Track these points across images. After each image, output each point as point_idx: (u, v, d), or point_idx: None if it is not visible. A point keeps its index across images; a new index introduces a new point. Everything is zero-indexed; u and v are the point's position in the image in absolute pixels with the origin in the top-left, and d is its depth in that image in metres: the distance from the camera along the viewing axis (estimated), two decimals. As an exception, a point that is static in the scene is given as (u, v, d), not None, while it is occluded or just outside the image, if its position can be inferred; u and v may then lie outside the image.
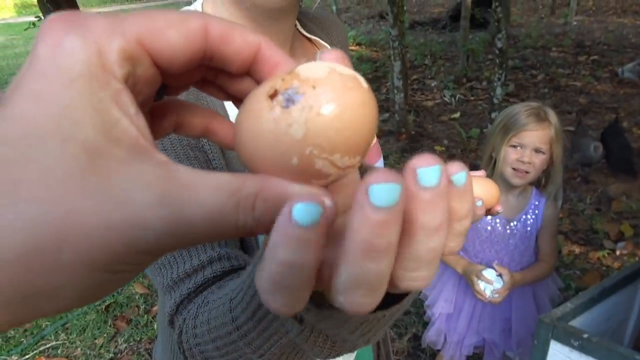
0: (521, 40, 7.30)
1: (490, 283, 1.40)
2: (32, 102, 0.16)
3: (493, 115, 2.90)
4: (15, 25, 14.53)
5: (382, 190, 0.16)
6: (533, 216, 1.44)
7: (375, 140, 0.74)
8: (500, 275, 1.40)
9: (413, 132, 4.20)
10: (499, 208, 0.68)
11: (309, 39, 0.69)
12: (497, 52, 2.64)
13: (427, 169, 0.18)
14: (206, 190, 0.17)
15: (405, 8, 6.51)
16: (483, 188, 0.67)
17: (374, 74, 6.21)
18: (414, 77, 5.88)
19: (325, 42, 0.70)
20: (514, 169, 1.39)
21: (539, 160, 1.37)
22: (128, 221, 0.16)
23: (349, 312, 0.19)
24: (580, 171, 3.33)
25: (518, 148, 1.39)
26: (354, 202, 0.16)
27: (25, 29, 3.50)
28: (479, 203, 0.66)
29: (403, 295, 0.30)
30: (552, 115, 1.39)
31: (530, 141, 1.37)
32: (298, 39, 0.67)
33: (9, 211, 0.14)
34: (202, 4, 0.61)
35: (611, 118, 4.26)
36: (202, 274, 0.47)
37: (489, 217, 1.47)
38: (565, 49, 6.78)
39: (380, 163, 0.73)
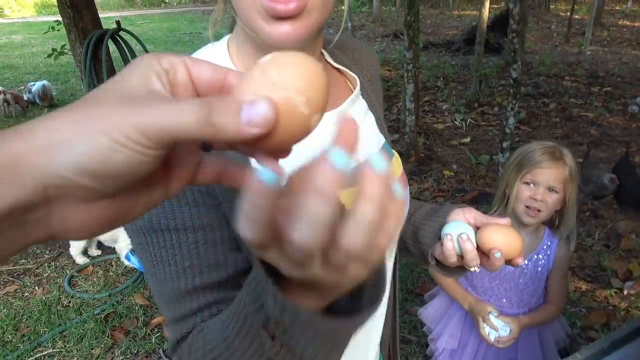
0: (534, 68, 7.30)
1: (496, 329, 1.37)
2: (117, 78, 0.28)
3: (504, 144, 2.88)
4: (34, 25, 14.75)
5: (341, 155, 0.25)
6: (545, 257, 1.42)
7: (401, 171, 0.73)
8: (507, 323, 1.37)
9: (422, 155, 4.19)
10: (520, 260, 0.66)
11: (338, 69, 0.70)
12: (511, 81, 2.63)
13: (379, 158, 0.27)
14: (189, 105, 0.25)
15: (420, 28, 6.53)
16: (506, 237, 0.65)
17: (386, 93, 6.22)
18: (426, 98, 5.89)
19: (355, 71, 0.71)
20: (526, 206, 1.37)
21: (551, 199, 1.35)
22: (145, 117, 0.24)
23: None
24: (590, 205, 3.30)
25: (531, 185, 1.37)
26: (319, 159, 0.26)
27: (45, 32, 3.53)
28: (498, 254, 0.65)
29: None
30: (568, 156, 1.37)
31: (544, 179, 1.35)
32: (325, 69, 0.67)
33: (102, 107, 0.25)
34: (227, 43, 0.63)
35: (622, 152, 4.23)
36: (201, 316, 0.52)
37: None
38: (578, 78, 6.77)
39: (406, 194, 0.73)
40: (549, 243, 1.43)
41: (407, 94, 3.88)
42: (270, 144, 0.27)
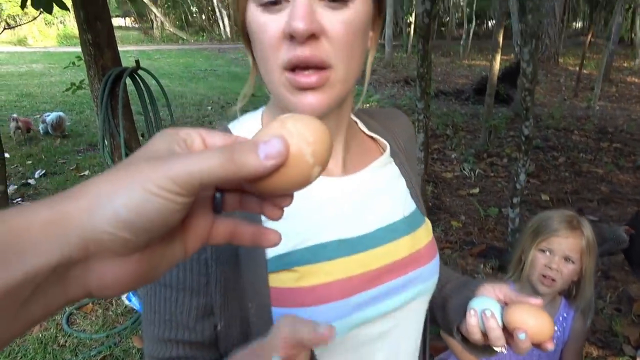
0: (543, 120, 7.36)
1: None
2: (145, 146, 0.31)
3: (515, 200, 2.86)
4: (55, 55, 15.20)
5: None
6: (560, 328, 1.37)
7: (432, 237, 0.72)
8: None
9: (430, 204, 4.17)
10: (550, 346, 0.62)
11: (371, 137, 0.74)
12: (523, 138, 2.64)
13: None
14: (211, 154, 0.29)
15: (431, 78, 6.66)
16: (535, 319, 0.61)
17: (395, 139, 6.26)
18: (435, 146, 5.91)
19: (387, 138, 0.74)
20: (542, 275, 1.34)
21: (567, 269, 1.32)
22: (175, 166, 0.27)
23: None
24: (601, 265, 3.24)
25: (547, 254, 1.34)
26: None
27: (65, 67, 3.61)
28: (522, 336, 0.60)
29: None
30: (586, 226, 1.35)
31: (560, 248, 1.32)
32: (356, 137, 0.71)
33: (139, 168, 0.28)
34: (262, 114, 0.67)
35: (633, 211, 4.19)
36: None
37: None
38: (587, 133, 6.80)
39: (436, 259, 0.71)
40: (565, 314, 1.39)
41: (417, 143, 3.89)
42: (278, 184, 0.31)
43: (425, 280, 0.67)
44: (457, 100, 9.12)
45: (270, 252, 0.58)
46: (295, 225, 0.60)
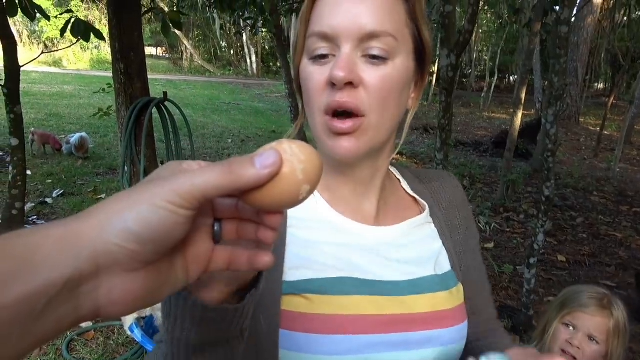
0: (562, 179, 7.29)
1: None
2: (153, 173, 0.34)
3: (532, 260, 2.80)
4: (86, 77, 15.73)
5: None
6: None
7: (461, 303, 0.71)
8: None
9: (443, 256, 4.09)
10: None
11: (412, 197, 0.76)
12: (543, 198, 2.60)
13: None
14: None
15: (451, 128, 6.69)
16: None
17: (411, 185, 6.24)
18: (451, 196, 5.86)
19: (428, 199, 0.76)
20: (562, 350, 1.28)
21: (590, 349, 1.25)
22: (179, 181, 0.30)
23: None
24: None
25: (570, 328, 1.28)
26: None
27: (95, 93, 3.71)
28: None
29: None
30: (618, 308, 1.28)
31: (585, 325, 1.26)
32: (396, 194, 0.75)
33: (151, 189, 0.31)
34: None
35: (653, 280, 4.06)
36: None
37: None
38: (607, 195, 6.70)
39: (462, 326, 0.69)
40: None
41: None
42: (270, 197, 0.34)
43: (446, 344, 0.66)
44: (476, 151, 9.12)
45: (288, 276, 0.61)
46: (318, 256, 0.63)
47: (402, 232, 0.70)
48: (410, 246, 0.70)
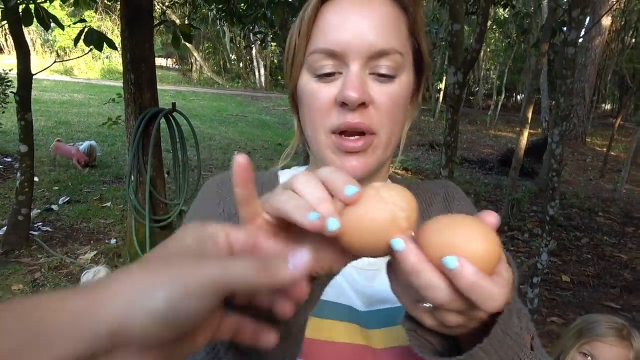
0: (568, 199, 7.26)
1: None
2: (172, 239, 0.35)
3: (535, 279, 2.78)
4: (96, 87, 15.91)
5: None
6: None
7: None
8: None
9: (446, 273, 4.08)
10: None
11: None
12: (547, 218, 2.60)
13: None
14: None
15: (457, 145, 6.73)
16: (475, 240, 0.37)
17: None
18: (455, 213, 5.85)
19: (423, 208, 0.74)
20: None
21: None
22: (213, 269, 0.30)
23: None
24: None
25: (588, 358, 1.27)
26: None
27: (105, 104, 3.76)
28: (451, 263, 0.42)
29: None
30: (637, 339, 1.27)
31: (603, 355, 1.25)
32: None
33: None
34: (306, 169, 0.73)
35: (658, 303, 4.02)
36: None
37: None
38: (612, 216, 6.66)
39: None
40: None
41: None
42: (376, 245, 0.35)
43: None
44: (481, 169, 9.11)
45: None
46: None
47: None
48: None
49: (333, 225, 0.34)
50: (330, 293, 0.61)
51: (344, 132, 0.57)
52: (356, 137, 0.57)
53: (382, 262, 0.61)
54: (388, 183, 0.38)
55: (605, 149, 9.90)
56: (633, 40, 14.19)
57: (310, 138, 0.61)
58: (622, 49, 13.81)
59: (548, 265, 4.53)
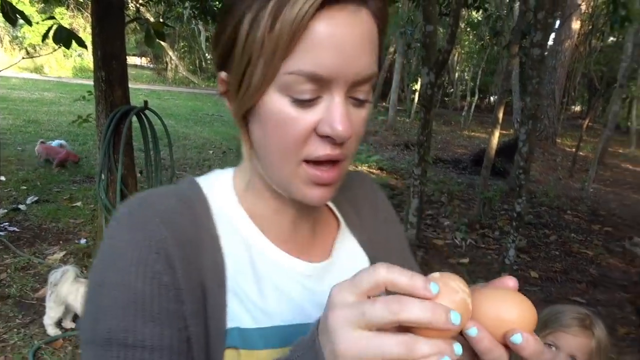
0: (538, 197, 7.45)
1: None
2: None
3: (503, 274, 2.85)
4: (68, 85, 15.56)
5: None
6: None
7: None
8: None
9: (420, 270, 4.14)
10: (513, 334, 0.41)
11: (328, 206, 0.71)
12: (515, 214, 2.68)
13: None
14: None
15: (430, 145, 6.81)
16: (520, 311, 0.42)
17: (391, 200, 6.28)
18: (429, 212, 5.95)
19: (346, 207, 0.72)
20: None
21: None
22: None
23: None
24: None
25: (553, 348, 1.31)
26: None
27: (75, 100, 3.70)
28: (517, 338, 0.40)
29: None
30: (598, 328, 1.30)
31: (567, 345, 1.28)
32: (318, 210, 0.68)
33: None
34: (234, 180, 0.64)
35: (620, 296, 4.17)
36: None
37: None
38: (580, 214, 6.87)
39: None
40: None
41: (411, 208, 3.94)
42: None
43: None
44: (455, 169, 9.26)
45: (229, 322, 0.54)
46: (254, 308, 0.56)
47: (335, 261, 0.66)
48: (344, 277, 0.64)
49: (456, 319, 0.37)
50: (285, 314, 0.58)
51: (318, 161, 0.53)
52: (327, 166, 0.53)
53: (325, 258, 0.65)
54: (445, 273, 0.41)
55: (574, 149, 10.19)
56: (601, 43, 14.64)
57: (275, 163, 0.54)
58: (590, 52, 14.22)
59: (517, 262, 4.65)
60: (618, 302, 4.07)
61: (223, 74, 0.56)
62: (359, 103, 0.53)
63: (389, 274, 0.39)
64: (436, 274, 0.41)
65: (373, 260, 0.70)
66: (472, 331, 0.40)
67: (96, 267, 0.52)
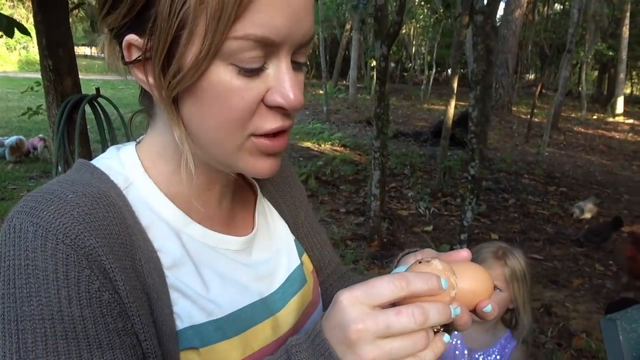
0: (496, 164, 7.71)
1: None
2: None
3: (462, 236, 2.99)
4: (14, 80, 14.86)
5: None
6: (499, 356, 1.43)
7: (312, 268, 0.72)
8: None
9: (385, 240, 4.26)
10: (485, 304, 0.49)
11: (250, 183, 0.69)
12: (469, 177, 2.79)
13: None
14: None
15: (391, 118, 6.97)
16: (474, 277, 0.50)
17: (355, 176, 6.41)
18: (392, 184, 6.08)
19: (273, 189, 0.72)
20: None
21: (496, 297, 1.39)
22: None
23: None
24: (544, 301, 3.38)
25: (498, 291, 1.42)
26: None
27: (23, 92, 3.58)
28: (489, 309, 0.49)
29: None
30: (513, 257, 1.43)
31: None
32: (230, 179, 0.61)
33: None
34: (138, 155, 0.56)
35: (574, 251, 4.43)
36: None
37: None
38: (536, 177, 7.16)
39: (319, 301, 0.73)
40: (507, 345, 1.46)
41: (373, 180, 4.03)
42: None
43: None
44: (416, 141, 9.44)
45: (179, 323, 0.50)
46: (199, 298, 0.52)
47: (259, 229, 0.65)
48: (273, 238, 0.66)
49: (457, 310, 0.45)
50: (234, 299, 0.56)
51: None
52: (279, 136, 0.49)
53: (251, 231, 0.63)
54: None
55: (529, 116, 10.54)
56: (548, 11, 15.07)
57: (214, 142, 0.48)
58: (540, 21, 14.63)
59: (478, 226, 4.84)
60: (573, 256, 4.31)
61: (133, 38, 0.45)
62: (299, 67, 0.48)
63: (409, 285, 0.42)
64: (437, 263, 0.46)
65: (290, 225, 0.71)
66: (455, 310, 0.45)
67: (4, 298, 0.41)
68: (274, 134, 0.48)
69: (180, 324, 0.49)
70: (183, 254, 0.52)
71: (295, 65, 0.48)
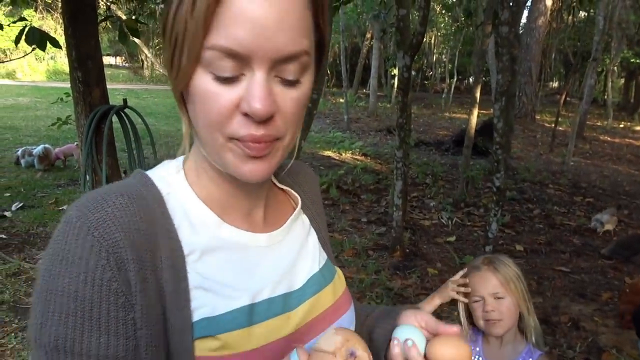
0: (520, 174, 7.59)
1: None
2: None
3: (487, 248, 2.94)
4: (43, 89, 15.28)
5: None
6: (520, 373, 1.41)
7: (345, 286, 0.75)
8: None
9: (407, 251, 4.22)
10: None
11: (282, 189, 0.75)
12: (494, 189, 2.75)
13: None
14: None
15: (412, 127, 6.92)
16: (456, 350, 0.60)
17: (376, 185, 6.39)
18: (414, 194, 6.04)
19: (296, 190, 0.77)
20: (486, 320, 1.40)
21: (502, 305, 1.39)
22: None
23: None
24: (572, 315, 3.30)
25: (480, 302, 1.42)
26: None
27: (53, 103, 3.66)
28: None
29: None
30: (500, 263, 1.44)
31: (485, 290, 1.40)
32: (272, 190, 0.72)
33: None
34: (184, 167, 0.63)
35: (603, 264, 4.31)
36: None
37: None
38: (561, 187, 7.03)
39: (352, 307, 0.74)
40: (529, 359, 1.43)
41: (395, 190, 4.01)
42: None
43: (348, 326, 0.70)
44: (437, 150, 9.37)
45: (196, 315, 0.55)
46: (225, 284, 0.58)
47: (289, 233, 0.70)
48: (299, 245, 0.71)
49: None
50: (259, 290, 0.61)
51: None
52: (261, 144, 0.52)
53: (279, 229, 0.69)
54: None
55: (553, 125, 10.37)
56: (573, 18, 14.83)
57: (206, 139, 0.54)
58: (564, 28, 14.41)
59: (503, 237, 4.77)
60: (601, 269, 4.21)
61: None
62: (289, 83, 0.51)
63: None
64: (337, 340, 0.52)
65: (317, 233, 0.77)
66: None
67: (45, 271, 0.50)
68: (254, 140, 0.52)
69: (197, 315, 0.54)
70: (209, 248, 0.58)
71: (283, 81, 0.51)
